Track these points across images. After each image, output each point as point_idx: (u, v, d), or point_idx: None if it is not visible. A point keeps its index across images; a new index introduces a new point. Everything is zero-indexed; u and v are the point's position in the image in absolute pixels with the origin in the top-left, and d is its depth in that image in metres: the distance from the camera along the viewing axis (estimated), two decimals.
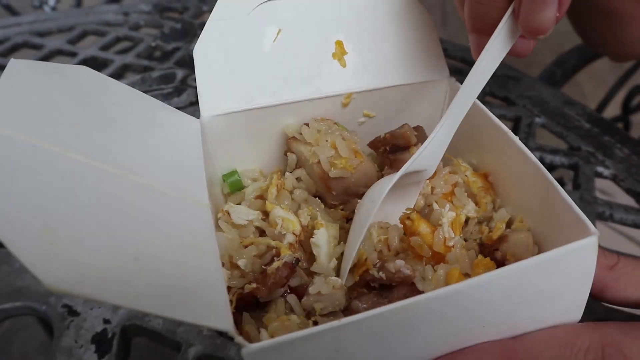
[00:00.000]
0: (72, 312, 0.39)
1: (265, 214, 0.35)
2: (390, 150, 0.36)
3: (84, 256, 0.20)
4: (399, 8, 0.38)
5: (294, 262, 0.29)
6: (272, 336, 0.26)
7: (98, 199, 0.23)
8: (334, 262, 0.32)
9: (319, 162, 0.35)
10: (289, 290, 0.29)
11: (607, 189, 0.62)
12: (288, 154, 0.37)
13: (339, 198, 0.36)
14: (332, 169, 0.34)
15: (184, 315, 0.21)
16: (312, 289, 0.29)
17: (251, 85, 0.36)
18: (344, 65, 0.38)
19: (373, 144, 0.37)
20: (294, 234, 0.32)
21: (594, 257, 0.25)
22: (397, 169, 0.32)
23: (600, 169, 0.54)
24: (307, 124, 0.37)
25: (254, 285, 0.29)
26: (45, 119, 0.24)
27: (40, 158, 0.22)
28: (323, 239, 0.32)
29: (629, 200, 0.52)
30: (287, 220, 0.33)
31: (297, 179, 0.37)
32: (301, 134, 0.36)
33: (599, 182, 0.53)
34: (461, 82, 0.39)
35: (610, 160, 0.55)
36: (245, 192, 0.37)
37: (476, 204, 0.34)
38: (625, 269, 0.29)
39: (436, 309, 0.23)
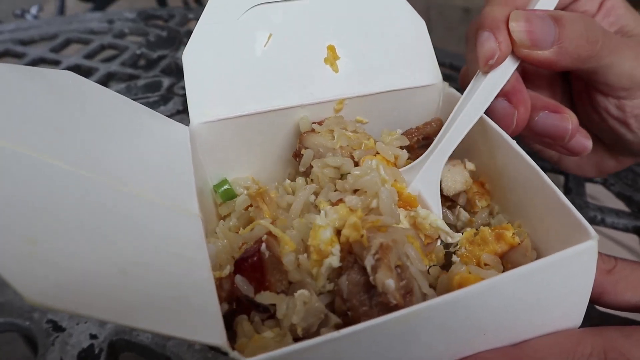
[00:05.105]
0: (57, 327, 0.37)
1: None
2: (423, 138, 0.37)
3: (67, 268, 0.19)
4: (391, 13, 0.38)
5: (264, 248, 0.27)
6: None
7: (83, 208, 0.22)
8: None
9: (340, 147, 0.34)
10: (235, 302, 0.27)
11: (595, 195, 0.62)
12: (303, 150, 0.35)
13: None
14: (356, 150, 0.34)
15: (173, 330, 0.20)
16: (278, 314, 0.26)
17: (242, 91, 0.35)
18: (336, 71, 0.37)
19: (408, 133, 0.37)
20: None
21: (594, 261, 0.25)
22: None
23: None
24: (315, 122, 0.37)
25: None
26: (28, 125, 0.23)
27: (23, 165, 0.21)
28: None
29: (619, 205, 0.52)
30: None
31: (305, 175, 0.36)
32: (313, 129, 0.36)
33: (588, 188, 0.53)
34: (452, 87, 0.39)
35: None
36: (236, 203, 0.36)
37: (471, 207, 0.33)
38: (623, 272, 0.29)
39: (437, 318, 0.23)
